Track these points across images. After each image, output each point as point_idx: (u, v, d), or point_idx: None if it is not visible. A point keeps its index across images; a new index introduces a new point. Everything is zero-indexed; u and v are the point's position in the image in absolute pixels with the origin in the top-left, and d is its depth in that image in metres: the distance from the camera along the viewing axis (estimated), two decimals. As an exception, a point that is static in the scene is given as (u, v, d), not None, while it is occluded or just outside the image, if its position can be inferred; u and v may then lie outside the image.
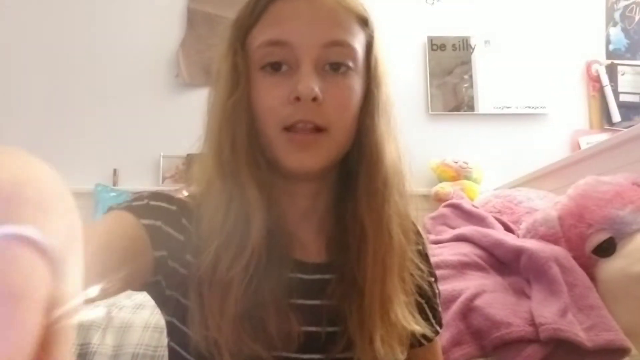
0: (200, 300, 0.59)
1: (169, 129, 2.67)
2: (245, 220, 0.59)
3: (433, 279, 0.76)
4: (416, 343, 0.70)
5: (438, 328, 0.75)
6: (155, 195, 0.64)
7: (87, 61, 2.71)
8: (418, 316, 0.67)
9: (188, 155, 2.60)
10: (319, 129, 0.61)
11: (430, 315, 0.74)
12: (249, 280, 0.58)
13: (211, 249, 0.59)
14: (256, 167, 0.62)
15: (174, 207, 0.63)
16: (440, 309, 0.77)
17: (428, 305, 0.74)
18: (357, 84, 0.64)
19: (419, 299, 0.71)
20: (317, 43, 0.61)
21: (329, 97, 0.61)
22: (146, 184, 2.59)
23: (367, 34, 0.67)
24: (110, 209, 0.61)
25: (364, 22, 0.66)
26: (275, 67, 0.62)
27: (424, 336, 0.69)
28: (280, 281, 0.61)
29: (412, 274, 0.68)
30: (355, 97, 0.64)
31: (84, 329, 1.37)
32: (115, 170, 2.62)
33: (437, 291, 0.77)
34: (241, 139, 0.61)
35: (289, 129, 0.61)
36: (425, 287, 0.72)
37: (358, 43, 0.64)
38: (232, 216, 0.60)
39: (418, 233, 0.75)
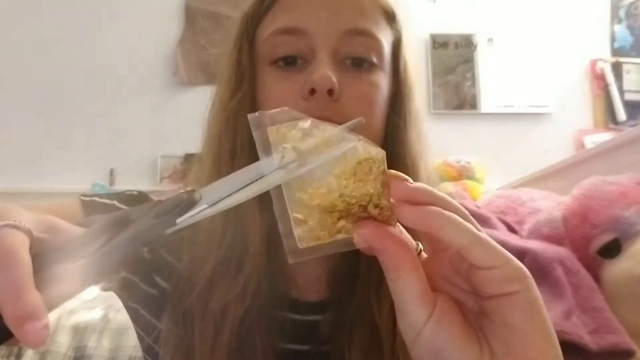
0: (185, 331, 0.54)
1: (167, 128, 2.66)
2: (243, 239, 0.53)
3: None
4: None
5: None
6: (127, 199, 0.59)
7: (84, 60, 2.71)
8: None
9: (186, 155, 2.59)
10: None
11: None
12: (244, 312, 0.53)
13: (207, 269, 0.53)
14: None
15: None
16: None
17: None
18: (383, 82, 0.56)
19: None
20: (337, 30, 0.53)
21: (348, 93, 0.53)
22: (143, 184, 2.58)
23: (394, 31, 0.59)
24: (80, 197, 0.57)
25: (391, 18, 0.59)
26: (287, 61, 0.54)
27: None
28: (272, 321, 0.55)
29: None
30: (381, 97, 0.56)
31: (80, 331, 1.37)
32: (112, 170, 2.61)
33: None
34: (242, 145, 0.54)
35: None
36: None
37: (384, 38, 0.56)
38: (230, 234, 0.54)
39: None
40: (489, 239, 0.32)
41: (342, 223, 0.33)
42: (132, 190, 0.63)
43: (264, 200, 0.50)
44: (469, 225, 0.32)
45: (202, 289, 0.53)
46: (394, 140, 0.57)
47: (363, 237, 0.33)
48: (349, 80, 0.53)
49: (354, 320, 0.55)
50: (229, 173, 0.52)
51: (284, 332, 0.56)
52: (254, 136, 0.34)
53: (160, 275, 0.57)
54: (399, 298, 0.33)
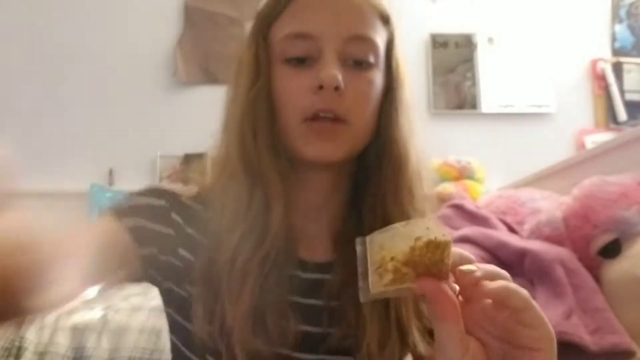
0: (206, 295, 0.61)
1: (166, 128, 2.66)
2: (267, 210, 0.62)
3: None
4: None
5: None
6: (146, 192, 0.68)
7: (83, 59, 2.71)
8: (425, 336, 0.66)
9: (186, 154, 2.59)
10: (338, 120, 0.62)
11: None
12: (265, 272, 0.61)
13: (234, 238, 0.61)
14: (277, 157, 0.63)
15: (162, 202, 0.67)
16: None
17: None
18: (378, 78, 0.65)
19: None
20: (341, 36, 0.62)
21: (350, 89, 0.62)
22: (142, 184, 2.57)
23: (388, 32, 0.68)
24: (103, 212, 0.65)
25: (385, 20, 0.68)
26: (299, 60, 0.63)
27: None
28: (283, 278, 0.63)
29: None
30: (375, 92, 0.65)
31: (79, 332, 1.37)
32: (111, 170, 2.61)
33: None
34: (262, 128, 0.63)
35: (309, 119, 0.62)
36: None
37: (380, 39, 0.66)
38: (255, 205, 0.62)
39: None
40: (533, 302, 0.42)
41: (408, 276, 0.42)
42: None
43: (286, 177, 0.63)
44: (524, 292, 0.42)
45: (229, 255, 0.61)
46: (386, 125, 0.66)
47: (423, 290, 0.42)
48: (350, 78, 0.62)
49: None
50: (252, 155, 0.63)
51: (295, 288, 0.64)
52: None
53: (186, 248, 0.65)
54: (441, 340, 0.42)
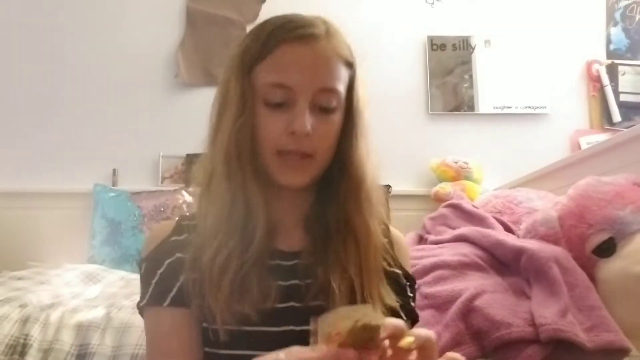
0: (199, 277, 0.73)
1: (168, 129, 2.67)
2: (248, 215, 0.75)
3: (401, 272, 0.86)
4: (396, 316, 0.79)
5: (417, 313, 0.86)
6: (149, 265, 0.79)
7: (86, 61, 2.71)
8: (394, 295, 0.79)
9: (187, 155, 2.60)
10: (306, 155, 0.75)
11: (411, 299, 0.85)
12: (243, 262, 0.73)
13: (218, 237, 0.73)
14: (257, 177, 0.76)
15: (166, 261, 0.78)
16: (413, 303, 0.87)
17: (410, 289, 0.86)
18: (339, 117, 0.78)
19: (399, 280, 0.84)
20: (312, 88, 0.74)
21: (317, 130, 0.74)
22: (145, 184, 2.59)
23: (350, 73, 0.79)
24: (142, 311, 0.79)
25: (350, 65, 0.79)
26: (277, 104, 0.75)
27: (404, 309, 0.80)
28: (264, 267, 0.75)
29: (386, 262, 0.82)
30: (337, 131, 0.78)
31: (84, 329, 1.37)
32: (114, 170, 2.62)
33: (407, 287, 0.87)
34: (246, 154, 0.75)
35: (281, 153, 0.75)
36: (396, 276, 0.84)
37: (343, 85, 0.78)
38: (236, 212, 0.75)
39: (390, 231, 0.89)
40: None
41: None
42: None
43: (265, 182, 0.77)
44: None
45: (213, 250, 0.73)
46: (346, 148, 0.79)
47: (345, 357, 0.54)
48: (317, 121, 0.75)
49: (328, 260, 0.77)
50: (237, 174, 0.76)
51: (274, 273, 0.75)
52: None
53: (181, 251, 0.77)
54: None
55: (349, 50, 0.80)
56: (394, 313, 0.76)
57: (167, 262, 0.77)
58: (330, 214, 0.80)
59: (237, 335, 0.71)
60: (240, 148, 0.75)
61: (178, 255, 0.77)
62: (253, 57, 0.76)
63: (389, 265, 0.83)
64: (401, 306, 0.78)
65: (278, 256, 0.79)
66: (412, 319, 0.82)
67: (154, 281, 0.77)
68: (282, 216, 0.81)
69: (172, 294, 0.75)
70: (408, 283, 0.85)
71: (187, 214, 0.85)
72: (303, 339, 0.72)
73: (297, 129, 0.73)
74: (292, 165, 0.76)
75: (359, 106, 0.81)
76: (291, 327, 0.73)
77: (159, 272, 0.77)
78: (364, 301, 0.74)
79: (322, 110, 0.76)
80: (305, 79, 0.74)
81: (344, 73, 0.78)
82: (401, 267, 0.85)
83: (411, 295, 0.85)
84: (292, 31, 0.75)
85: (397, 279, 0.83)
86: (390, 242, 0.87)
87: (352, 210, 0.79)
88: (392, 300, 0.77)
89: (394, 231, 0.90)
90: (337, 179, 0.80)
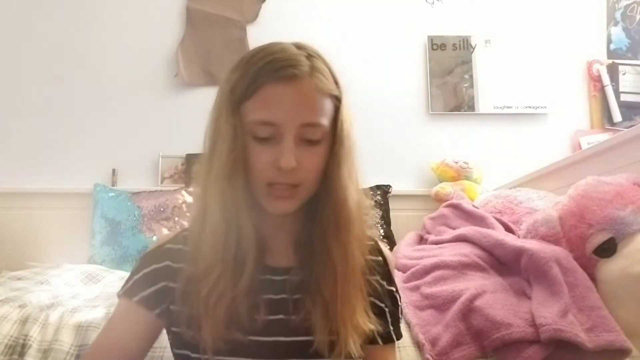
0: (190, 303, 0.79)
1: (168, 129, 2.66)
2: (240, 242, 0.80)
3: (394, 289, 0.93)
4: (372, 340, 0.86)
5: (394, 336, 0.91)
6: (140, 266, 0.86)
7: (86, 61, 2.71)
8: (373, 316, 0.84)
9: (187, 155, 2.60)
10: (292, 185, 0.80)
11: (390, 322, 0.90)
12: (233, 299, 0.78)
13: (214, 272, 0.78)
14: (249, 205, 0.80)
15: (153, 266, 0.85)
16: (400, 323, 0.94)
17: (389, 312, 0.91)
18: (324, 149, 0.82)
19: (379, 303, 0.89)
20: (297, 124, 0.78)
21: (303, 162, 0.79)
22: (145, 184, 2.59)
23: (335, 104, 0.83)
24: (120, 298, 0.86)
25: (334, 96, 0.82)
26: (264, 139, 0.79)
27: (380, 335, 0.86)
28: (256, 282, 0.80)
29: (370, 283, 0.87)
30: (323, 160, 0.82)
31: (83, 329, 1.37)
32: (114, 170, 2.62)
33: (399, 303, 0.94)
34: (238, 185, 0.80)
35: (271, 184, 0.80)
36: (383, 295, 0.90)
37: (327, 117, 0.81)
38: (230, 240, 0.80)
39: (379, 250, 0.94)
40: None
41: None
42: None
43: (257, 208, 0.82)
44: None
45: (211, 285, 0.78)
46: (330, 175, 0.83)
47: None
48: (303, 154, 0.79)
49: (311, 280, 0.83)
50: (230, 201, 0.80)
51: (269, 289, 0.83)
52: None
53: (172, 280, 0.83)
54: None
55: (334, 83, 0.83)
56: (370, 338, 0.84)
57: (154, 265, 0.85)
58: (314, 236, 0.85)
59: (227, 343, 0.77)
60: (233, 180, 0.80)
61: (167, 262, 0.85)
62: (241, 95, 0.80)
63: (378, 283, 0.89)
64: (378, 332, 0.85)
65: (269, 271, 0.85)
66: (390, 342, 0.90)
67: (136, 277, 0.86)
68: (274, 236, 0.88)
69: (144, 294, 0.83)
70: (387, 308, 0.91)
71: (188, 225, 0.90)
72: (290, 350, 0.80)
73: (283, 165, 0.77)
74: (279, 196, 0.81)
75: (344, 132, 0.84)
76: (281, 338, 0.80)
77: (144, 271, 0.85)
78: (336, 325, 0.80)
79: (308, 143, 0.80)
80: (289, 116, 0.78)
81: (328, 106, 0.82)
82: (389, 284, 0.92)
83: (390, 319, 0.91)
84: (276, 72, 0.78)
85: (392, 296, 0.92)
86: (384, 259, 0.93)
87: (332, 238, 0.83)
88: (369, 325, 0.82)
89: (382, 248, 0.96)
90: (322, 202, 0.84)
